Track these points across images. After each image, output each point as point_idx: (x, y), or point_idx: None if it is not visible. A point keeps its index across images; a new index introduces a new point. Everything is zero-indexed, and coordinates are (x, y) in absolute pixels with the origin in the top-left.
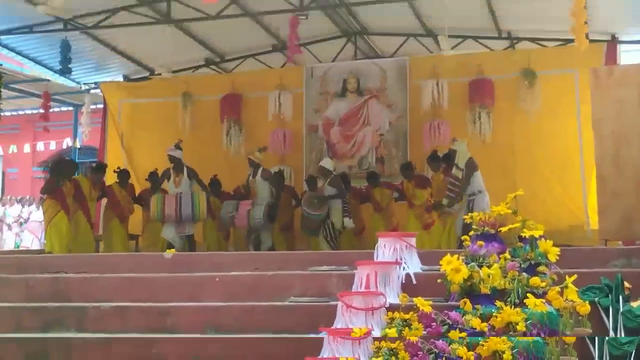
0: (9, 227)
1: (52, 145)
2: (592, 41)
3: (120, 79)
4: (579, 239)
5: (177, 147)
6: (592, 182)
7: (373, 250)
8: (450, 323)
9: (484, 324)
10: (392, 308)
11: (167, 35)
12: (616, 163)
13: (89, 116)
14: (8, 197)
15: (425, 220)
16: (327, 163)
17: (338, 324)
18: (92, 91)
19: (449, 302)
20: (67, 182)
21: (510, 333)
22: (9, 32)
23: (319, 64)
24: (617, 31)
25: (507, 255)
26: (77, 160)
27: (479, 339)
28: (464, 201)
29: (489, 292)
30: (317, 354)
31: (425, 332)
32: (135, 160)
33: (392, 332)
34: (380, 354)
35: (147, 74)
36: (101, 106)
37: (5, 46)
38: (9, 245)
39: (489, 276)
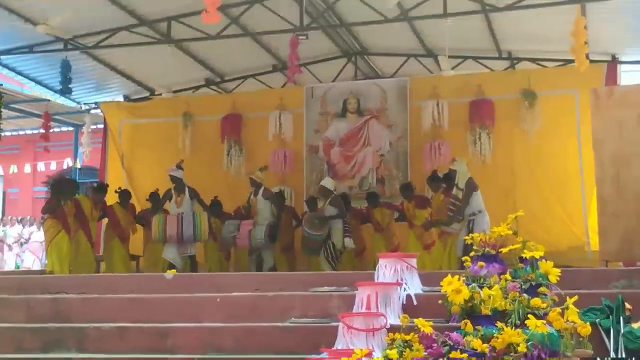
0: (10, 247)
1: (53, 166)
2: (592, 61)
3: (121, 99)
4: (579, 259)
5: (179, 167)
6: (593, 202)
7: (374, 271)
8: (451, 344)
9: (485, 345)
10: (393, 329)
11: (168, 56)
12: (616, 184)
13: (90, 136)
14: (9, 218)
15: (425, 241)
16: (327, 183)
17: (339, 344)
18: (93, 111)
19: (449, 323)
20: (68, 201)
21: (511, 354)
22: (9, 52)
23: (319, 84)
24: (617, 52)
25: (507, 276)
26: (77, 181)
27: None
28: (464, 221)
29: (489, 313)
30: None
31: (426, 353)
32: (135, 180)
33: (393, 353)
34: None
35: (147, 94)
36: (101, 126)
37: (6, 66)
38: (10, 266)
39: (489, 297)
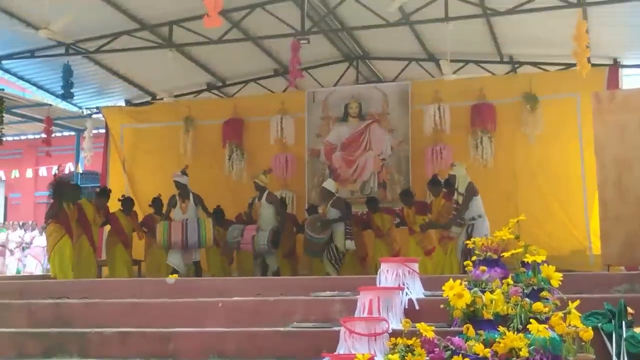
0: (12, 252)
1: (55, 170)
2: (594, 65)
3: (122, 103)
4: (581, 264)
5: (184, 173)
6: (595, 206)
7: (376, 276)
8: (453, 349)
9: (487, 349)
10: (394, 334)
11: (169, 60)
12: (618, 188)
13: (91, 141)
14: (10, 222)
15: (426, 247)
16: (329, 185)
17: (341, 349)
18: (94, 116)
19: (451, 328)
20: (71, 206)
21: (514, 359)
22: (10, 56)
23: (320, 88)
24: (619, 55)
25: (509, 280)
26: (79, 185)
27: None
28: (463, 226)
29: (491, 318)
30: None
31: (428, 358)
32: (137, 185)
33: (395, 357)
34: None
35: (149, 98)
36: (103, 131)
37: (7, 71)
38: (12, 271)
39: (491, 302)
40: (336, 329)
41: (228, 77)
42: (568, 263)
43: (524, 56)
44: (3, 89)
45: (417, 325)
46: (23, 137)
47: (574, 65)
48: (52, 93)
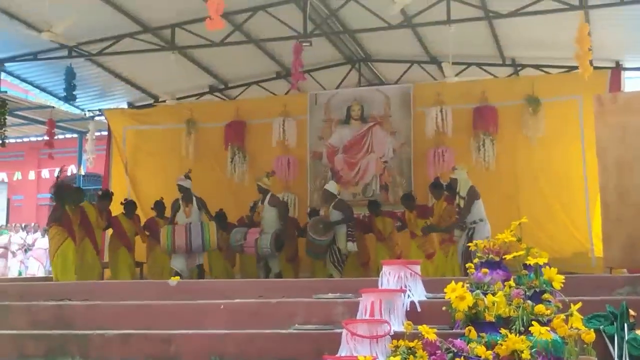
0: (14, 254)
1: (57, 172)
2: (596, 68)
3: (125, 105)
4: (583, 266)
5: (187, 177)
6: (597, 209)
7: (377, 278)
8: (455, 351)
9: (489, 352)
10: (396, 336)
11: (171, 63)
12: (620, 190)
13: (94, 143)
14: (13, 224)
15: (427, 250)
16: (331, 186)
17: (342, 351)
18: (97, 118)
19: (453, 330)
20: (73, 209)
21: None
22: (13, 59)
23: (323, 90)
24: (621, 58)
25: (511, 282)
26: (81, 187)
27: None
28: (465, 229)
29: (493, 320)
30: None
31: None
32: (139, 187)
33: None
34: None
35: (151, 100)
36: (105, 133)
37: (10, 73)
38: (14, 273)
39: (493, 304)
40: (338, 331)
41: (230, 79)
42: (570, 265)
43: (526, 59)
44: (6, 92)
45: (419, 327)
46: (25, 140)
47: (576, 67)
48: (55, 95)
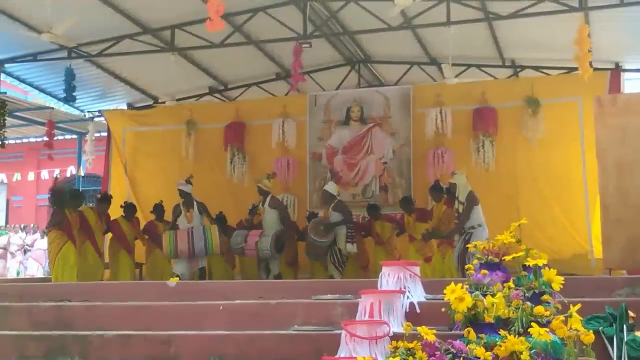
0: (13, 255)
1: (57, 173)
2: (595, 69)
3: (124, 106)
4: (583, 267)
5: (188, 181)
6: (596, 210)
7: (377, 279)
8: (454, 352)
9: (488, 353)
10: (396, 337)
11: (171, 64)
12: (620, 191)
13: (93, 144)
14: (12, 225)
15: (426, 254)
16: (331, 187)
17: (342, 352)
18: (96, 119)
19: (452, 331)
20: (73, 213)
21: None
22: (13, 60)
23: (322, 92)
24: (621, 59)
25: (511, 284)
26: (81, 188)
27: None
28: (463, 234)
29: (493, 321)
30: None
31: None
32: (138, 188)
33: None
34: None
35: (151, 102)
36: (105, 134)
37: (10, 74)
38: (13, 274)
39: (493, 305)
40: (337, 332)
41: (230, 80)
42: (569, 267)
43: (526, 60)
44: (5, 92)
45: (418, 328)
46: (25, 140)
47: (575, 69)
48: (55, 96)
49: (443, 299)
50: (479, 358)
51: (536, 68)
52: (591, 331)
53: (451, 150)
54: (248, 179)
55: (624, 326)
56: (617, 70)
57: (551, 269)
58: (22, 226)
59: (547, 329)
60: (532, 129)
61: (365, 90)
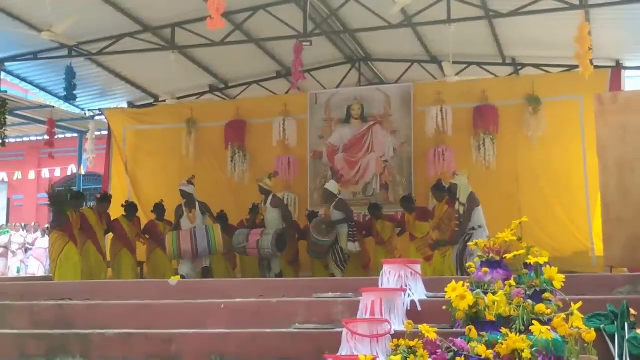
0: (14, 253)
1: (57, 172)
2: (596, 67)
3: (125, 105)
4: (584, 265)
5: (189, 182)
6: (597, 208)
7: (378, 277)
8: (456, 350)
9: (490, 351)
10: (397, 335)
11: (172, 62)
12: (621, 189)
13: (94, 143)
14: (13, 224)
15: (426, 253)
16: (331, 186)
17: (343, 351)
18: (97, 118)
19: (454, 329)
20: (73, 213)
21: None
22: (13, 59)
23: (323, 90)
24: (621, 57)
25: (512, 282)
26: (81, 187)
27: None
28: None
29: (494, 319)
30: None
31: (430, 359)
32: (139, 186)
33: (398, 359)
34: None
35: (151, 100)
36: (106, 133)
37: (10, 73)
38: (14, 272)
39: (494, 303)
40: (338, 330)
41: (230, 79)
42: (571, 264)
43: (527, 58)
44: (6, 91)
45: (420, 326)
46: (26, 139)
47: (576, 67)
48: (55, 95)
49: (444, 297)
50: (481, 356)
51: (537, 66)
52: (592, 329)
53: (452, 148)
54: (249, 178)
55: (625, 324)
56: (617, 68)
57: (552, 267)
58: (23, 225)
59: (549, 327)
60: (532, 127)
61: (365, 89)
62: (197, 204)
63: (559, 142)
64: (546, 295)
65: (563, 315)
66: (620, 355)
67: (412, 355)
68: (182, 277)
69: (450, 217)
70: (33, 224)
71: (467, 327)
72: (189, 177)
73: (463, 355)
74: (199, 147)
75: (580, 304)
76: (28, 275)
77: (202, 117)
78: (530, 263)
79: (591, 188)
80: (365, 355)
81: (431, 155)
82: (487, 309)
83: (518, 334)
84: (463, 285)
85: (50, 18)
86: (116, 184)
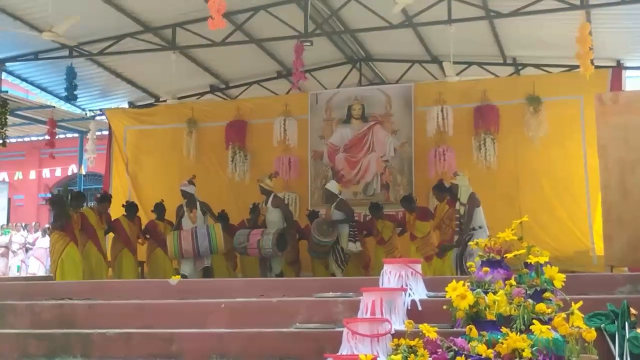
0: (14, 253)
1: (58, 172)
2: (597, 67)
3: (126, 105)
4: (584, 265)
5: (190, 182)
6: (598, 208)
7: (378, 277)
8: (456, 349)
9: (490, 350)
10: (397, 334)
11: (172, 62)
12: (621, 189)
13: (95, 143)
14: (14, 224)
15: (427, 253)
16: (332, 186)
17: (343, 350)
18: (98, 118)
19: (454, 329)
20: (74, 214)
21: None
22: (14, 59)
23: (323, 90)
24: (622, 57)
25: (512, 281)
26: (82, 187)
27: None
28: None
29: (494, 319)
30: None
31: (430, 359)
32: (140, 186)
33: (398, 358)
34: None
35: (152, 100)
36: (106, 133)
37: (11, 73)
38: (14, 272)
39: (494, 302)
40: (339, 329)
41: (231, 79)
42: (571, 264)
43: (527, 58)
44: (7, 91)
45: (420, 326)
46: (26, 139)
47: (577, 67)
48: (56, 95)
49: (444, 297)
50: (481, 355)
51: (537, 66)
52: (593, 328)
53: (452, 148)
54: (249, 178)
55: (626, 323)
56: (618, 68)
57: (553, 267)
58: (23, 225)
59: (549, 327)
60: (533, 127)
61: (366, 89)
62: (198, 204)
63: (559, 142)
64: (547, 294)
65: (563, 314)
66: (621, 355)
67: (412, 355)
68: (183, 276)
69: (451, 217)
70: (34, 223)
71: (468, 327)
72: (190, 177)
73: (463, 355)
74: (199, 147)
75: (580, 303)
76: (29, 275)
77: (203, 117)
78: (530, 262)
79: (592, 188)
80: (366, 355)
81: (432, 155)
82: (487, 309)
83: (518, 333)
84: (463, 285)
85: (51, 18)
86: (117, 184)
